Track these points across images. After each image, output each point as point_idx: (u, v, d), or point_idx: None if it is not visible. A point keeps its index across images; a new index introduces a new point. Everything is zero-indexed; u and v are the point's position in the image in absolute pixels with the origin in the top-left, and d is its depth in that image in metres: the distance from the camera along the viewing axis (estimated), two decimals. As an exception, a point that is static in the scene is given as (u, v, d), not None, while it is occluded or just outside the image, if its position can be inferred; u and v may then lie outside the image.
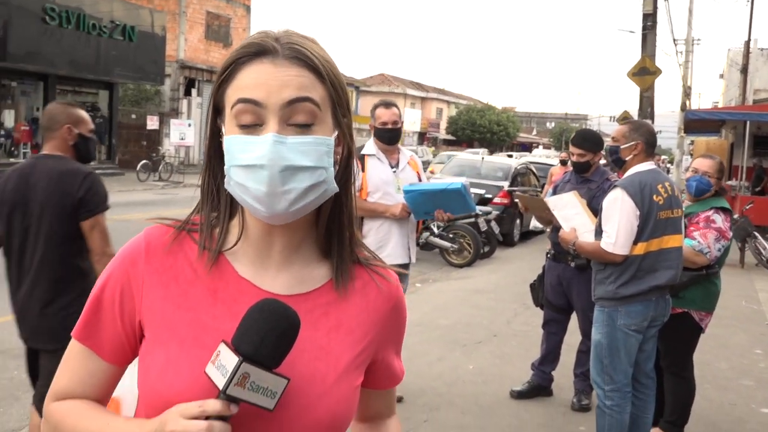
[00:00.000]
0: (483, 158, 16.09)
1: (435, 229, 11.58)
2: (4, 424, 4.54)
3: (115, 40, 23.41)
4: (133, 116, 28.26)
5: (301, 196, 1.12)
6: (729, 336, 7.54)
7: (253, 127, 1.12)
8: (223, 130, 1.17)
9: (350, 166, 1.24)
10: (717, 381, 6.08)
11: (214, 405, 1.03)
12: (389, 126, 4.77)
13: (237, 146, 1.12)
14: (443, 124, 61.34)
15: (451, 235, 11.59)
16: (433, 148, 46.11)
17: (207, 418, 1.03)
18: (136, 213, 14.66)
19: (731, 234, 4.54)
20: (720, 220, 4.42)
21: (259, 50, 1.15)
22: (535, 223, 13.90)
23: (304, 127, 1.13)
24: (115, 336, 1.22)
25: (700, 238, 4.35)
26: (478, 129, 57.39)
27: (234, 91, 1.14)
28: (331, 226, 1.24)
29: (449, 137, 59.49)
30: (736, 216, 4.37)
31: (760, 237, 12.03)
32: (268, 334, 1.05)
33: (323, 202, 1.19)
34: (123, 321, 1.21)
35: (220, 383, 1.03)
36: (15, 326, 3.51)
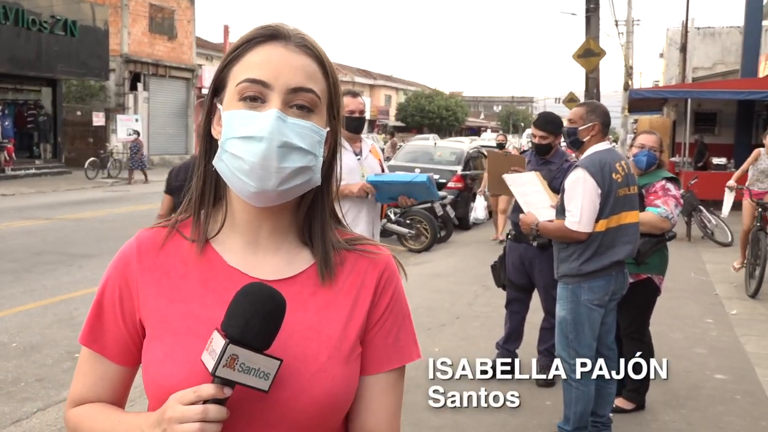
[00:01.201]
0: (435, 143, 16.25)
1: (392, 216, 11.67)
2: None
3: (57, 35, 22.88)
4: (79, 113, 27.66)
5: (291, 176, 1.15)
6: (680, 307, 7.80)
7: (255, 101, 1.16)
8: (221, 108, 1.20)
9: (333, 166, 1.28)
10: (672, 351, 6.30)
11: (207, 389, 1.06)
12: (356, 114, 4.82)
13: (238, 119, 1.15)
14: (392, 111, 61.34)
15: (408, 221, 11.68)
16: (383, 135, 46.15)
17: (204, 402, 1.06)
18: (87, 212, 14.38)
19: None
20: (674, 189, 4.71)
21: (274, 34, 1.19)
22: (476, 215, 14.13)
23: (304, 111, 1.17)
24: (119, 337, 1.25)
25: (664, 205, 4.61)
26: (427, 115, 57.58)
27: (242, 68, 1.18)
28: (311, 213, 1.26)
29: (399, 124, 59.56)
30: (682, 191, 4.58)
31: (705, 211, 12.40)
32: (253, 316, 1.07)
33: (306, 192, 1.22)
34: (125, 321, 1.24)
35: (211, 367, 1.07)
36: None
